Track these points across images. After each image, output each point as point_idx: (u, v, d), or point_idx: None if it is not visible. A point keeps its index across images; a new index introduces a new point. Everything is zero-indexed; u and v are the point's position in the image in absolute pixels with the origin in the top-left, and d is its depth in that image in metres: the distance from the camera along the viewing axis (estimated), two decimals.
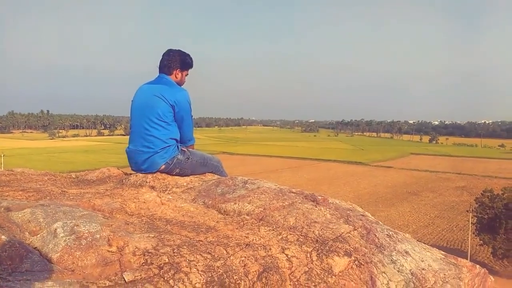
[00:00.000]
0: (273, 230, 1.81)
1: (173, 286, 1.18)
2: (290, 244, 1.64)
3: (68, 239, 1.36)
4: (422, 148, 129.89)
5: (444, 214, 43.50)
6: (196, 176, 2.94)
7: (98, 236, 1.41)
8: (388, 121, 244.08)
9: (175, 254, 1.37)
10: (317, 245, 1.66)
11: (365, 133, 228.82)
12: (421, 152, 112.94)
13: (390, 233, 1.89)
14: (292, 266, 1.47)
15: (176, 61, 2.88)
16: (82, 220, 1.52)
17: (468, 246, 29.46)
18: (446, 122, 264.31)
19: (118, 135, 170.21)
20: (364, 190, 54.74)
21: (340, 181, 61.84)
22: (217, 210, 2.16)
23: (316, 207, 2.11)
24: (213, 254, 1.42)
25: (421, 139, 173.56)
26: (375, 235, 1.81)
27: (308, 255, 1.56)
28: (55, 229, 1.42)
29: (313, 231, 1.80)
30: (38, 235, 1.43)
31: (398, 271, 1.58)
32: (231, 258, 1.42)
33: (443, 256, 1.80)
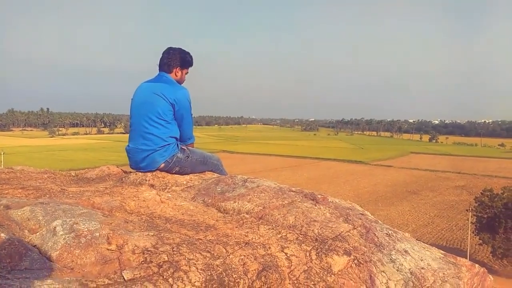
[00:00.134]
0: (273, 228, 1.81)
1: (172, 285, 1.18)
2: (289, 243, 1.64)
3: (68, 237, 1.36)
4: (422, 147, 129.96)
5: (443, 213, 43.54)
6: (195, 174, 2.94)
7: (97, 234, 1.41)
8: (388, 120, 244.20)
9: (175, 252, 1.37)
10: (316, 244, 1.66)
11: (365, 132, 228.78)
12: (421, 151, 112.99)
13: (390, 232, 1.89)
14: (291, 265, 1.47)
15: (176, 59, 2.87)
16: (82, 218, 1.52)
17: (467, 245, 29.51)
18: (446, 121, 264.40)
19: (118, 133, 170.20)
20: (364, 189, 54.78)
21: (340, 180, 61.88)
22: (216, 209, 2.17)
23: (315, 206, 2.11)
24: (212, 252, 1.42)
25: (421, 138, 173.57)
26: (375, 234, 1.82)
27: (308, 254, 1.56)
28: (55, 227, 1.42)
29: (313, 230, 1.80)
30: (38, 233, 1.43)
31: (398, 270, 1.58)
32: (231, 256, 1.42)
33: (442, 255, 1.80)
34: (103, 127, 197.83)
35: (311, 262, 1.52)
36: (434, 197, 51.59)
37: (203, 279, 1.24)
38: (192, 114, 2.95)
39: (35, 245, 1.35)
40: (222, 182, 2.54)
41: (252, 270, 1.36)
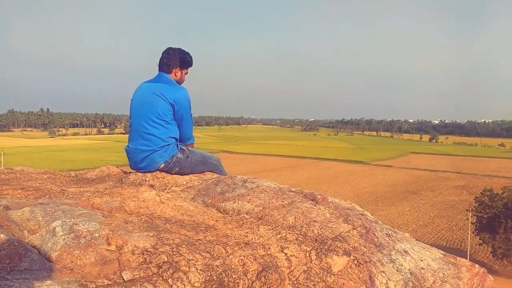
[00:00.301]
0: (272, 229, 1.81)
1: (172, 285, 1.18)
2: (289, 243, 1.64)
3: (67, 237, 1.36)
4: (422, 147, 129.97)
5: (443, 213, 43.53)
6: (195, 175, 2.94)
7: (97, 235, 1.41)
8: (388, 120, 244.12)
9: (174, 253, 1.37)
10: (316, 244, 1.66)
11: (365, 132, 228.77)
12: (421, 151, 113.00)
13: (389, 232, 1.89)
14: (291, 265, 1.47)
15: (175, 60, 2.87)
16: (81, 219, 1.52)
17: (467, 246, 29.50)
18: (446, 121, 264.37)
19: (118, 133, 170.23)
20: (364, 189, 54.77)
21: (340, 180, 61.87)
22: (216, 209, 2.16)
23: (315, 206, 2.11)
24: (212, 253, 1.42)
25: (421, 138, 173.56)
26: (374, 234, 1.81)
27: (307, 254, 1.56)
28: (54, 227, 1.42)
29: (312, 230, 1.79)
30: (37, 234, 1.43)
31: (397, 271, 1.58)
32: (230, 257, 1.42)
33: (442, 256, 1.80)
34: (103, 128, 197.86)
35: (311, 262, 1.52)
36: (434, 197, 51.58)
37: (203, 280, 1.23)
38: (191, 115, 2.95)
39: (35, 246, 1.35)
40: (222, 182, 2.54)
41: (252, 271, 1.36)
